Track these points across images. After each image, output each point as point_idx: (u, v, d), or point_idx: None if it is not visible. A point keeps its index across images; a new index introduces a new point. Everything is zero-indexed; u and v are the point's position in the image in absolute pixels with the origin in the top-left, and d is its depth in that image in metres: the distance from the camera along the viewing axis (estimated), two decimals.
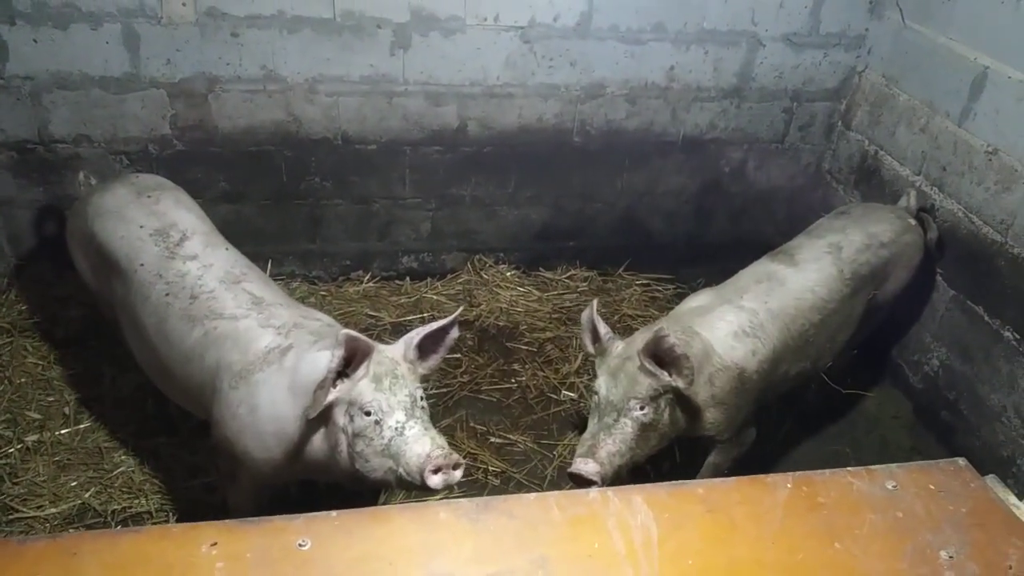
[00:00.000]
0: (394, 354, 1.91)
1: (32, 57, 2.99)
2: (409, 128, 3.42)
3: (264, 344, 1.99)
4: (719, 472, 2.65)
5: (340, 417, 1.83)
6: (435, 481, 1.75)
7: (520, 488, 2.78)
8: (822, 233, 2.88)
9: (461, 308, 2.23)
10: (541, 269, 3.91)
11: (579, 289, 3.85)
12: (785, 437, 3.09)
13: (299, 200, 3.52)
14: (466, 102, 3.41)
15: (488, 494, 2.73)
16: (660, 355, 2.19)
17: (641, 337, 2.33)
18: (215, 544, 1.19)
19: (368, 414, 1.79)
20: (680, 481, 1.42)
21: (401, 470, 1.76)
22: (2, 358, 3.04)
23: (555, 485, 2.81)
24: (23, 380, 2.99)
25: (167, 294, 2.16)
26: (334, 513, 1.29)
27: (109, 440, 2.81)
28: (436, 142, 3.48)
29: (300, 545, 1.22)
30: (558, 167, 3.67)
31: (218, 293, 2.14)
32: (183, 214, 2.41)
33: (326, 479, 2.09)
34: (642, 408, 2.24)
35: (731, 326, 2.44)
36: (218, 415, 2.01)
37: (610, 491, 1.39)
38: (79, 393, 2.96)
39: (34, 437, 2.77)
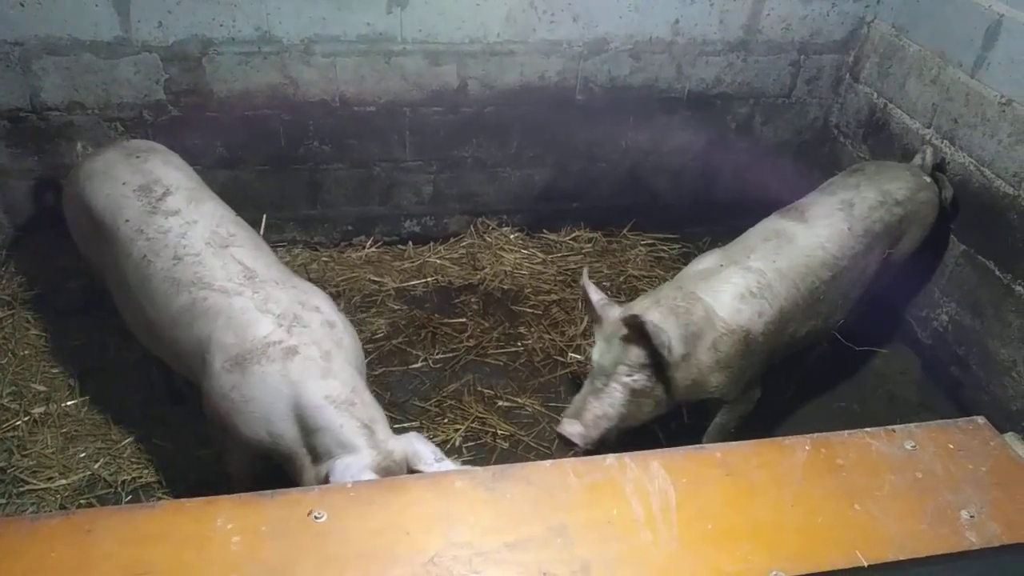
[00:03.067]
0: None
1: (20, 22, 2.91)
2: (408, 88, 3.34)
3: (263, 332, 1.98)
4: (725, 432, 2.66)
5: None
6: None
7: (529, 451, 2.79)
8: (834, 190, 2.83)
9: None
10: (545, 231, 3.87)
11: (584, 250, 3.81)
12: (793, 395, 3.08)
13: (298, 165, 3.46)
14: (466, 61, 3.33)
15: (497, 457, 2.74)
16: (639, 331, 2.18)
17: (639, 304, 2.33)
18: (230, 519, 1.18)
19: None
20: (697, 445, 1.41)
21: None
22: (4, 331, 3.02)
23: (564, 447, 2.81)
24: (27, 352, 2.97)
25: (148, 252, 2.14)
26: (349, 484, 1.27)
27: (116, 410, 2.80)
28: (436, 102, 3.41)
29: (316, 517, 1.21)
30: (561, 126, 3.61)
31: (204, 258, 2.10)
32: (169, 171, 2.37)
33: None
34: (631, 375, 2.25)
35: (737, 288, 2.40)
36: (208, 389, 2.02)
37: (627, 456, 1.37)
38: (84, 364, 2.95)
39: (41, 409, 2.76)
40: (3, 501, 2.45)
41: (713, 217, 3.90)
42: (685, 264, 3.65)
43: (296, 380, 1.93)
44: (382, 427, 1.95)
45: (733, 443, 1.42)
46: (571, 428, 2.24)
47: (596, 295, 2.36)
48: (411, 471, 1.86)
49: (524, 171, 3.71)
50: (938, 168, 3.05)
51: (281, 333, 1.99)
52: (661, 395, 2.32)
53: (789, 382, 3.09)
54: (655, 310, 2.29)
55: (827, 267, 2.56)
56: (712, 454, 1.39)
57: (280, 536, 1.18)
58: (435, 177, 3.62)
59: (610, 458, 1.37)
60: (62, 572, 1.10)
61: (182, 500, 1.24)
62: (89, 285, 3.09)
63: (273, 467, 2.07)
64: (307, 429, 1.92)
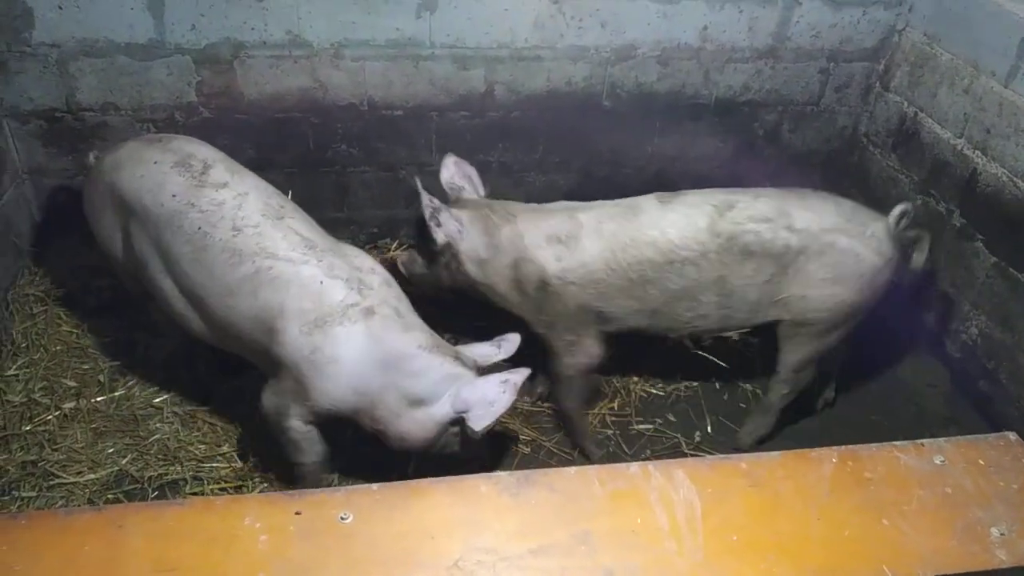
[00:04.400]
0: None
1: (58, 24, 2.97)
2: (436, 93, 3.36)
3: (339, 297, 2.13)
4: (770, 411, 2.81)
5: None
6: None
7: (551, 456, 2.79)
8: (736, 191, 2.61)
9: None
10: None
11: None
12: (822, 409, 3.06)
13: (326, 167, 3.49)
14: (494, 65, 3.34)
15: (519, 462, 2.74)
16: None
17: (465, 203, 2.74)
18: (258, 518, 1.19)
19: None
20: (723, 455, 1.40)
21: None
22: (37, 326, 3.07)
23: (585, 455, 2.81)
24: (58, 348, 3.02)
25: (203, 224, 2.19)
26: (375, 486, 1.29)
27: (144, 407, 2.84)
28: (463, 107, 3.42)
29: (342, 518, 1.22)
30: (587, 132, 3.60)
31: (264, 229, 2.20)
32: (197, 147, 2.43)
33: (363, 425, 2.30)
34: (439, 249, 2.66)
35: (550, 229, 2.58)
36: (282, 354, 2.14)
37: (651, 465, 1.37)
38: (113, 360, 2.99)
39: (71, 404, 2.80)
40: (33, 494, 2.50)
41: None
42: None
43: (382, 336, 2.12)
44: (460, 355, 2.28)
45: (759, 454, 1.42)
46: (400, 257, 2.87)
47: (426, 198, 2.60)
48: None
49: (549, 176, 3.71)
50: (917, 227, 2.67)
51: (354, 296, 2.15)
52: (457, 274, 2.69)
53: (817, 398, 3.06)
54: (466, 212, 2.66)
55: (658, 251, 2.49)
56: (737, 464, 1.38)
57: (307, 536, 1.19)
58: None
59: (634, 466, 1.37)
60: (93, 566, 1.12)
61: (210, 498, 1.26)
62: (119, 284, 3.14)
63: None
64: (402, 377, 2.14)
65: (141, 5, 2.97)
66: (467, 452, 2.40)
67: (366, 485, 1.29)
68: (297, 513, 1.22)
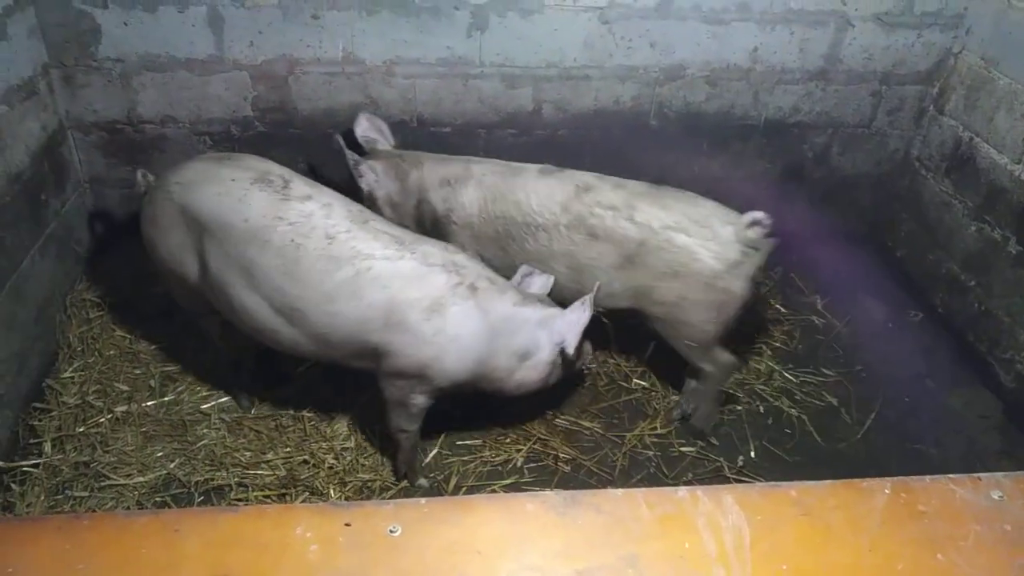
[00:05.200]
0: None
1: (122, 40, 3.08)
2: (484, 111, 3.40)
3: (443, 281, 2.27)
4: (707, 396, 2.90)
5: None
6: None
7: (591, 476, 2.77)
8: (605, 178, 2.83)
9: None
10: None
11: None
12: (865, 434, 3.00)
13: None
14: (542, 84, 3.38)
15: (558, 481, 2.73)
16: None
17: (379, 154, 3.03)
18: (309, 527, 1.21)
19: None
20: (772, 483, 1.38)
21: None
22: (93, 331, 3.17)
23: (625, 474, 2.79)
24: (112, 353, 3.10)
25: (294, 236, 2.24)
26: (423, 500, 1.29)
27: (192, 413, 2.90)
28: (510, 125, 3.46)
29: (391, 531, 1.23)
30: (633, 151, 3.60)
31: (356, 233, 2.28)
32: (269, 165, 2.48)
33: (472, 391, 2.50)
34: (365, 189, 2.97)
35: (445, 174, 2.89)
36: (403, 343, 2.26)
37: (699, 490, 1.35)
38: (164, 366, 3.07)
39: (123, 408, 2.87)
40: (86, 494, 2.56)
41: (787, 246, 3.79)
42: (755, 293, 3.63)
43: (488, 306, 2.31)
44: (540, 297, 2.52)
45: (809, 482, 1.39)
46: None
47: (351, 156, 2.88)
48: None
49: None
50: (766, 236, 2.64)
51: (455, 277, 2.29)
52: (387, 213, 2.94)
53: (861, 423, 2.99)
54: (381, 162, 2.96)
55: (519, 211, 2.76)
56: (787, 492, 1.36)
57: (356, 547, 1.21)
58: None
59: (682, 490, 1.36)
60: (151, 567, 1.15)
61: (263, 506, 1.28)
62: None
63: None
64: (508, 337, 2.35)
65: (202, 22, 3.07)
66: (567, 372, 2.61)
67: (414, 499, 1.30)
68: (347, 524, 1.23)
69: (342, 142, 2.89)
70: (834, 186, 3.83)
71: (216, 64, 3.18)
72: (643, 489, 1.36)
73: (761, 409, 3.10)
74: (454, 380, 2.37)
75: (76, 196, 3.33)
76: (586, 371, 3.13)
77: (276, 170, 2.43)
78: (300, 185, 2.37)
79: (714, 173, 3.72)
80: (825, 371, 3.28)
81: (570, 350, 2.41)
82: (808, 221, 3.89)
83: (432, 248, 2.37)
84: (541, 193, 2.76)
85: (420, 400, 2.43)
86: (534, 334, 2.40)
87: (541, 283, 2.61)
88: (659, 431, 2.96)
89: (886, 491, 1.38)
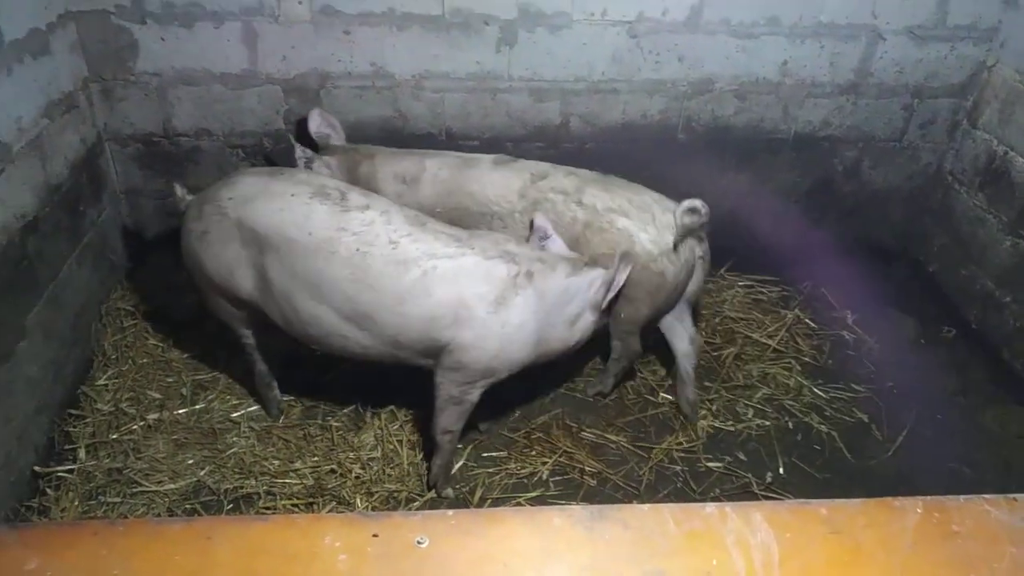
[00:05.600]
0: None
1: (159, 54, 3.15)
2: (512, 124, 3.42)
3: (504, 272, 2.33)
4: (607, 372, 3.05)
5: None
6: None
7: (616, 490, 2.76)
8: (558, 167, 2.91)
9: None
10: None
11: None
12: (896, 452, 2.95)
13: None
14: (569, 98, 3.39)
15: (584, 494, 2.72)
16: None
17: (333, 150, 3.05)
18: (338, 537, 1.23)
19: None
20: (802, 500, 1.37)
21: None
22: (127, 339, 3.23)
23: (652, 489, 2.78)
24: (145, 361, 3.16)
25: (360, 245, 2.30)
26: (450, 512, 1.30)
27: (222, 421, 2.94)
28: (538, 138, 3.47)
29: (418, 542, 1.24)
30: (661, 164, 3.59)
31: (417, 235, 2.35)
32: (321, 178, 2.54)
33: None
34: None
35: (399, 169, 2.92)
36: (471, 338, 2.33)
37: (728, 507, 1.34)
38: (195, 375, 3.12)
39: (155, 415, 2.92)
40: (118, 500, 2.61)
41: (817, 260, 3.80)
42: (785, 307, 3.61)
43: (544, 288, 2.37)
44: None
45: (840, 500, 1.38)
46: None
47: (300, 151, 2.93)
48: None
49: None
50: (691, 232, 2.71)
51: (513, 267, 2.35)
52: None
53: (892, 441, 2.95)
54: (335, 157, 2.99)
55: (475, 201, 2.84)
56: (817, 510, 1.35)
57: (384, 558, 1.22)
58: None
59: (710, 507, 1.35)
60: (183, 574, 1.17)
61: (293, 515, 1.30)
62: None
63: None
64: (562, 306, 2.41)
65: (237, 37, 3.13)
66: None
67: (441, 511, 1.31)
68: (375, 535, 1.24)
69: (292, 138, 2.98)
70: (865, 200, 3.79)
71: (250, 78, 3.24)
72: (670, 505, 1.35)
73: (790, 425, 3.06)
74: (515, 367, 2.44)
75: (112, 207, 3.41)
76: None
77: (330, 183, 2.47)
78: (356, 196, 2.42)
79: (742, 187, 3.70)
80: (855, 387, 3.24)
81: (603, 306, 2.49)
82: (838, 235, 3.87)
83: (486, 241, 2.43)
84: (497, 183, 2.84)
85: (475, 395, 2.49)
86: (583, 296, 2.46)
87: (558, 246, 2.58)
88: (686, 446, 2.94)
89: (918, 510, 1.36)
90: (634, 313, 2.77)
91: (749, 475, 2.83)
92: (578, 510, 1.33)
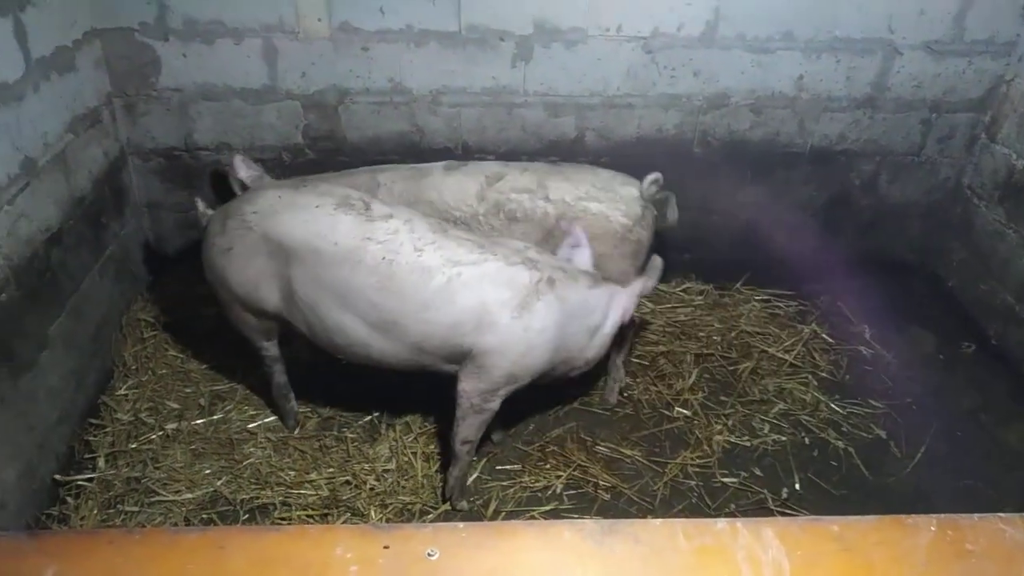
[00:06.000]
0: None
1: (181, 70, 3.21)
2: (527, 138, 3.45)
3: (527, 278, 2.36)
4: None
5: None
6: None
7: (631, 505, 2.75)
8: (510, 165, 3.00)
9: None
10: None
11: (694, 303, 3.77)
12: (914, 468, 2.92)
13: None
14: (585, 113, 3.41)
15: (598, 508, 2.72)
16: None
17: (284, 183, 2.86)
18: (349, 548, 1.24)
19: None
20: (813, 517, 1.37)
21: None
22: (147, 350, 3.27)
23: (666, 504, 2.77)
24: (164, 371, 3.20)
25: (386, 253, 2.33)
26: (461, 525, 1.31)
27: (239, 432, 2.97)
28: (553, 152, 3.49)
29: (429, 554, 1.25)
30: (676, 178, 3.56)
31: (441, 242, 2.38)
32: (342, 188, 2.56)
33: (540, 380, 2.54)
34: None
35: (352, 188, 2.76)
36: (494, 343, 2.35)
37: (739, 523, 1.34)
38: (213, 385, 3.15)
39: (173, 425, 2.96)
40: (136, 509, 2.64)
41: (833, 275, 3.78)
42: (802, 322, 3.59)
43: (566, 295, 2.40)
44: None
45: (852, 517, 1.37)
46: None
47: (245, 172, 2.88)
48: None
49: None
50: (661, 191, 2.99)
51: (535, 273, 2.38)
52: None
53: (910, 458, 2.92)
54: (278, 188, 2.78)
55: (435, 209, 2.87)
56: (829, 527, 1.34)
57: (395, 570, 1.23)
58: None
59: (721, 522, 1.35)
60: None
61: (305, 526, 1.31)
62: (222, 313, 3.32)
63: None
64: (583, 317, 2.45)
65: (257, 54, 3.18)
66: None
67: (452, 524, 1.32)
68: (385, 547, 1.25)
69: (198, 203, 2.76)
70: (882, 214, 3.78)
71: (269, 94, 3.29)
72: (682, 520, 1.35)
73: (807, 441, 3.04)
74: (536, 373, 2.46)
75: (134, 220, 3.46)
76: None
77: (353, 194, 2.51)
78: (379, 205, 2.46)
79: (759, 200, 3.70)
80: (873, 403, 3.21)
81: (626, 319, 2.56)
82: (855, 249, 3.85)
83: (508, 248, 2.46)
84: (453, 188, 2.90)
85: (496, 403, 2.50)
86: (603, 309, 2.51)
87: (586, 257, 2.62)
88: (701, 461, 2.93)
89: (932, 528, 1.35)
90: (625, 279, 2.82)
91: (764, 491, 2.81)
92: (589, 524, 1.34)
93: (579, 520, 1.36)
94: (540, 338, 2.37)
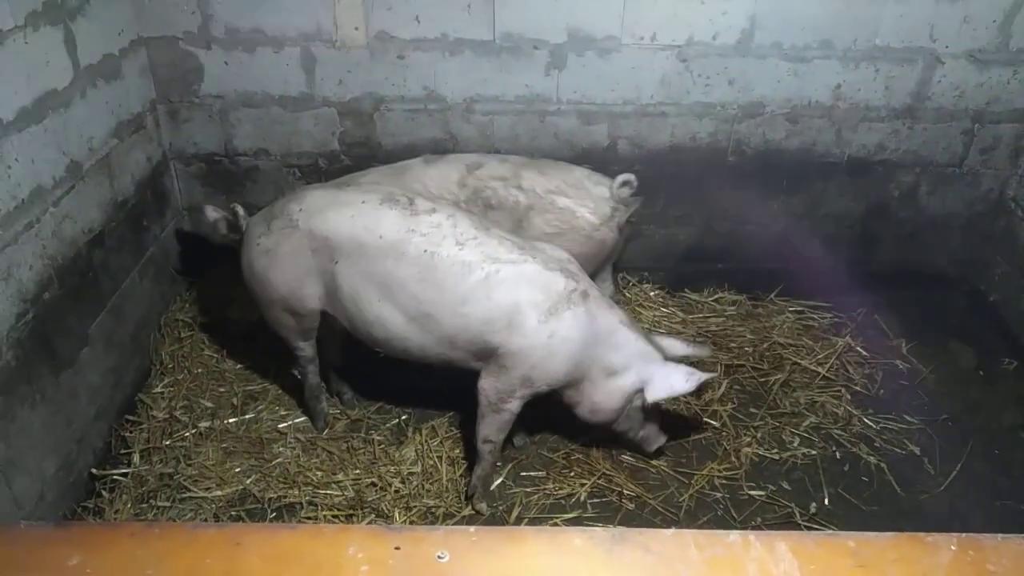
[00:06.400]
0: None
1: (223, 78, 3.30)
2: (559, 146, 3.46)
3: (562, 286, 2.39)
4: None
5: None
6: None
7: (655, 515, 2.73)
8: (489, 156, 3.12)
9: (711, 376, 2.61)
10: (686, 290, 3.82)
11: (726, 313, 3.73)
12: (948, 486, 2.85)
13: None
14: (617, 121, 3.41)
15: (622, 518, 2.71)
16: None
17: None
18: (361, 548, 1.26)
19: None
20: (830, 531, 1.35)
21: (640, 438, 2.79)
22: (183, 349, 3.35)
23: (691, 515, 2.74)
24: (200, 371, 3.28)
25: (427, 246, 2.39)
26: (472, 529, 1.32)
27: (270, 431, 3.02)
28: (585, 160, 3.49)
29: (439, 557, 1.26)
30: (710, 187, 3.59)
31: (482, 239, 2.42)
32: (385, 186, 2.65)
33: (557, 396, 2.57)
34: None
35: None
36: (520, 344, 2.38)
37: (752, 535, 1.33)
38: (246, 386, 3.22)
39: (206, 424, 3.03)
40: (167, 504, 2.70)
41: (871, 287, 3.71)
42: (836, 334, 3.53)
43: (597, 314, 2.42)
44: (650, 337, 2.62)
45: (870, 534, 1.35)
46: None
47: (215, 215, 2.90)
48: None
49: (669, 229, 3.71)
50: (634, 195, 3.02)
51: (572, 283, 2.41)
52: None
53: (943, 476, 2.85)
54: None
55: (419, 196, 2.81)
56: (844, 543, 1.32)
57: (404, 571, 1.24)
58: None
59: (734, 534, 1.33)
60: None
61: (320, 525, 1.34)
62: (259, 315, 3.39)
63: None
64: (606, 350, 2.46)
65: (295, 62, 3.25)
66: (644, 439, 2.79)
67: (464, 527, 1.33)
68: (397, 548, 1.27)
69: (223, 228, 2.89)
70: (922, 226, 3.70)
71: (307, 101, 3.35)
72: (693, 531, 1.34)
73: (837, 455, 2.99)
74: (552, 382, 2.47)
75: (175, 222, 3.56)
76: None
77: (397, 191, 2.57)
78: (423, 201, 2.52)
79: (794, 210, 3.65)
80: (908, 418, 3.14)
81: (649, 397, 2.52)
82: (894, 262, 3.77)
83: (548, 254, 2.49)
84: (436, 178, 2.98)
85: (513, 405, 2.51)
86: (628, 359, 2.51)
87: (673, 344, 2.70)
88: (728, 472, 2.89)
89: (952, 547, 1.32)
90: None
91: (792, 505, 2.77)
92: (600, 532, 1.34)
93: (590, 528, 1.36)
94: (563, 347, 2.38)
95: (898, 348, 3.52)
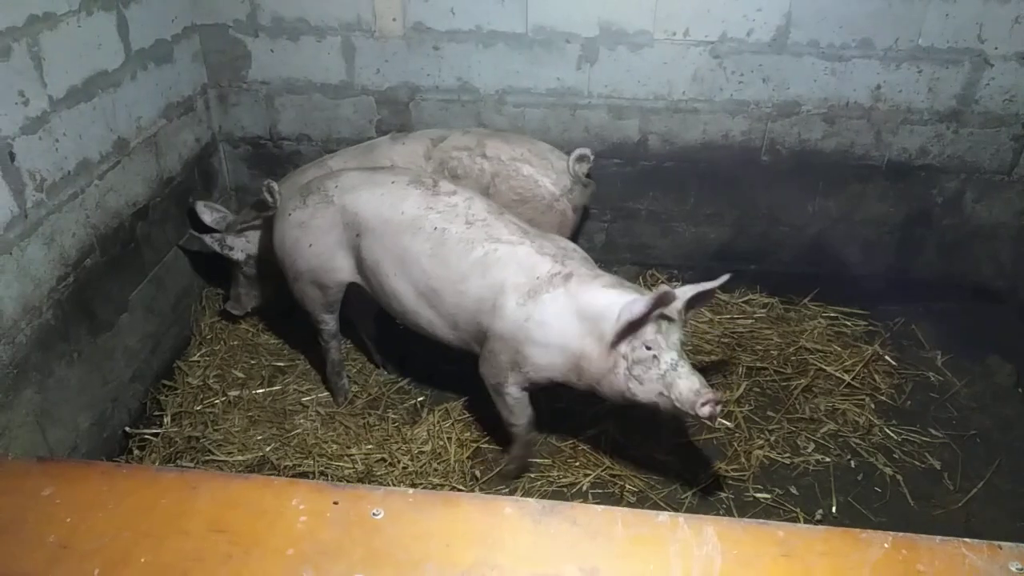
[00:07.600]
0: (674, 304, 2.30)
1: (269, 65, 3.46)
2: (590, 140, 3.48)
3: (546, 269, 2.39)
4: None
5: (623, 346, 2.27)
6: (705, 412, 2.21)
7: (656, 509, 2.73)
8: (453, 129, 3.25)
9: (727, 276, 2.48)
10: (717, 291, 3.77)
11: (756, 315, 3.68)
12: (967, 503, 2.75)
13: None
14: (648, 116, 3.41)
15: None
16: None
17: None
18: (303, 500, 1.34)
19: (648, 348, 2.25)
20: (760, 520, 1.36)
21: (673, 397, 2.25)
22: (222, 322, 3.54)
23: (693, 511, 2.69)
24: (235, 343, 3.46)
25: (440, 223, 2.50)
26: (410, 491, 1.39)
27: (293, 404, 3.17)
28: (615, 155, 3.51)
29: (374, 514, 1.33)
30: (742, 186, 3.54)
31: (490, 221, 2.51)
32: (415, 170, 2.83)
33: (585, 389, 2.46)
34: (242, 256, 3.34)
35: (303, 183, 2.90)
36: (500, 328, 2.41)
37: (681, 517, 1.35)
38: (276, 359, 3.38)
39: (236, 393, 3.19)
40: (191, 465, 2.87)
41: (910, 296, 3.59)
42: (868, 342, 3.43)
43: (578, 291, 2.34)
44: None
45: (802, 525, 1.35)
46: (228, 306, 3.43)
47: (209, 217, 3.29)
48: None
49: (700, 228, 3.68)
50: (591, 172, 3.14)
51: (557, 266, 2.40)
52: (265, 275, 3.30)
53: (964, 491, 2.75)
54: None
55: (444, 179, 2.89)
56: (773, 532, 1.33)
57: (339, 523, 1.32)
58: (608, 226, 3.71)
59: (663, 515, 1.36)
60: (164, 515, 1.33)
61: (271, 478, 1.43)
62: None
63: None
64: (593, 321, 2.30)
65: (336, 51, 3.38)
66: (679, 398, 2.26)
67: (403, 488, 1.40)
68: (335, 503, 1.35)
69: (204, 239, 3.23)
70: (967, 235, 3.55)
71: (347, 89, 3.48)
72: (624, 509, 1.37)
73: (852, 464, 2.92)
74: (544, 370, 2.44)
75: (222, 201, 3.75)
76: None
77: (424, 174, 2.72)
78: (447, 184, 2.65)
79: (830, 213, 3.57)
80: (933, 431, 3.04)
81: (624, 316, 2.19)
82: (936, 271, 3.64)
83: (548, 241, 2.52)
84: (403, 153, 3.14)
85: (511, 391, 2.54)
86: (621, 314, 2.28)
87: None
88: (736, 473, 2.87)
89: (885, 545, 1.31)
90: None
91: (798, 510, 2.73)
92: (531, 503, 1.38)
93: (523, 499, 1.41)
94: (539, 331, 2.35)
95: (932, 360, 3.40)
